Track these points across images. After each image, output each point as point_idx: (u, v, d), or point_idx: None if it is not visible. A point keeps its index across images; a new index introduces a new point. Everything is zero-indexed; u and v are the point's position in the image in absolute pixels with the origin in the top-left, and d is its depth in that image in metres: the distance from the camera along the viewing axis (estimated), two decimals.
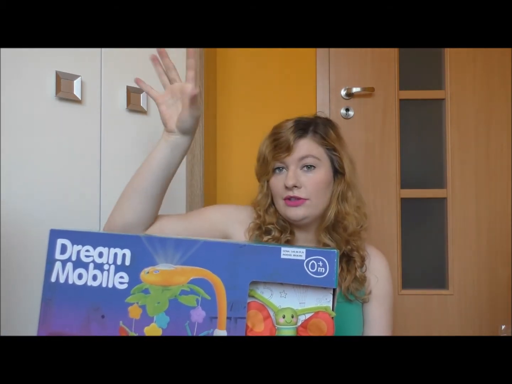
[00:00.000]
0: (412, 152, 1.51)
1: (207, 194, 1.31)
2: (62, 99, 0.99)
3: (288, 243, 0.87)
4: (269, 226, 0.86)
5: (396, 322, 1.45)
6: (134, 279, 0.55)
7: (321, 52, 1.49)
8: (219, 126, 1.52)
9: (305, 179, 0.81)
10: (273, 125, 0.88)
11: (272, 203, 0.87)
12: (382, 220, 1.47)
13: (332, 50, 1.49)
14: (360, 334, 0.86)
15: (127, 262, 0.56)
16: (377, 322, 0.86)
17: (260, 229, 0.87)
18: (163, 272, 0.55)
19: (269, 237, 0.85)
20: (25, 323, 0.91)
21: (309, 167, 0.82)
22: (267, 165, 0.85)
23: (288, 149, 0.81)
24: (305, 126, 0.84)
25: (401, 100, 1.49)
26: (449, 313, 1.46)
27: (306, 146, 0.82)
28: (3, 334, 0.89)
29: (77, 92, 1.00)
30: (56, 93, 0.97)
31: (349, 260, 0.85)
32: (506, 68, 1.47)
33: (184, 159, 1.20)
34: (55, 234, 0.58)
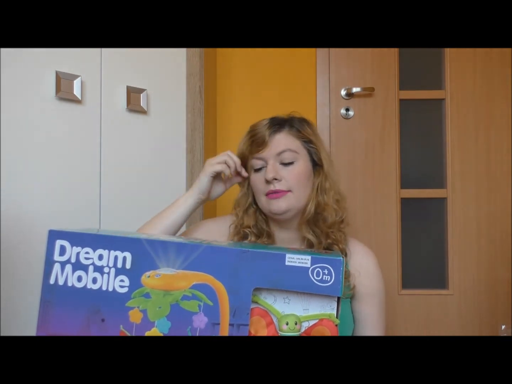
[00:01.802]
0: (412, 152, 1.51)
1: None
2: (62, 99, 0.99)
3: None
4: (246, 230, 0.87)
5: (396, 322, 1.45)
6: (135, 283, 0.54)
7: (321, 52, 1.49)
8: (219, 126, 1.52)
9: (285, 172, 0.82)
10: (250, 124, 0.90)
11: (253, 202, 0.89)
12: (382, 220, 1.47)
13: (332, 50, 1.49)
14: (351, 330, 0.86)
15: (128, 265, 0.55)
16: (368, 320, 0.86)
17: (239, 234, 0.88)
18: (164, 277, 0.54)
19: (246, 242, 0.86)
20: (25, 323, 0.91)
21: (287, 161, 0.83)
22: (246, 163, 0.87)
23: (264, 143, 0.83)
24: (281, 122, 0.86)
25: (401, 100, 1.49)
26: (449, 313, 1.46)
27: (284, 141, 0.84)
28: (3, 334, 0.88)
29: (77, 92, 1.00)
30: (56, 93, 0.97)
31: None
32: (506, 68, 1.47)
33: (184, 159, 1.21)
34: (53, 235, 0.57)
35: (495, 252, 1.46)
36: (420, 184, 1.51)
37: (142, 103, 1.12)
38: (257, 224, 0.87)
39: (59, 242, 0.57)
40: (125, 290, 0.54)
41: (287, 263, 0.52)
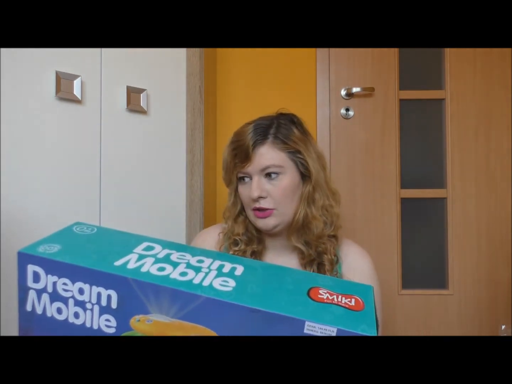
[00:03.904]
0: (412, 152, 1.51)
1: (207, 194, 1.31)
2: (62, 99, 0.99)
3: (255, 254, 0.85)
4: (236, 238, 0.85)
5: (396, 322, 1.45)
6: (123, 325, 0.48)
7: (321, 52, 1.49)
8: (219, 126, 1.52)
9: (270, 188, 0.80)
10: (234, 131, 0.86)
11: (242, 210, 0.87)
12: (382, 220, 1.47)
13: (332, 50, 1.49)
14: None
15: (114, 305, 0.48)
16: None
17: (229, 239, 0.86)
18: (157, 323, 0.47)
19: (236, 248, 0.85)
20: None
21: (273, 175, 0.80)
22: (231, 174, 0.85)
23: (248, 158, 0.79)
24: (265, 130, 0.81)
25: (401, 100, 1.49)
26: (449, 313, 1.46)
27: (267, 156, 0.80)
28: (3, 334, 0.88)
29: (77, 92, 1.00)
30: (56, 93, 0.97)
31: (320, 263, 0.83)
32: (506, 68, 1.47)
33: (184, 159, 1.21)
34: (24, 259, 0.50)
35: (495, 252, 1.46)
36: (420, 184, 1.51)
37: (142, 103, 1.12)
38: (247, 232, 0.86)
39: (31, 268, 0.50)
40: (112, 330, 0.48)
41: (305, 331, 0.45)
